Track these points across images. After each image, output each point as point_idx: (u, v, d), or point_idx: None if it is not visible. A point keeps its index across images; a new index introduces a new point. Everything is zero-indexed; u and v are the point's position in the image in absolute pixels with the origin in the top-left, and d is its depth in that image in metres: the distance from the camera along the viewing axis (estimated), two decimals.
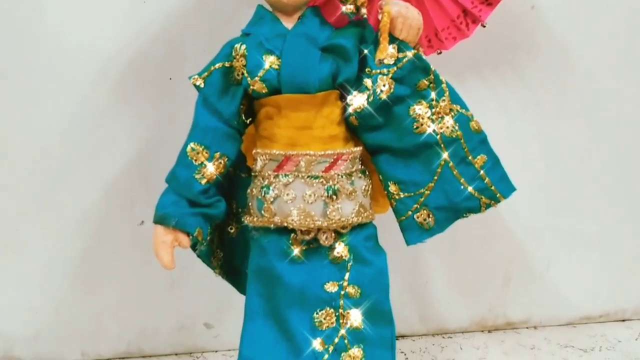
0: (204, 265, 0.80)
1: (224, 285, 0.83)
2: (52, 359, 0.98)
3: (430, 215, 0.72)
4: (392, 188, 0.73)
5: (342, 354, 0.70)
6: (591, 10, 0.97)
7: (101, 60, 0.88)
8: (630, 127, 1.03)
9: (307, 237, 0.70)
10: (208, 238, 0.74)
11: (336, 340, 0.70)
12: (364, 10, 0.71)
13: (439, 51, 0.84)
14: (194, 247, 0.75)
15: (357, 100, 0.70)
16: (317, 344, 0.70)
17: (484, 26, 0.82)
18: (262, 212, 0.70)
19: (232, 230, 0.80)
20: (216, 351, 1.02)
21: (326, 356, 0.69)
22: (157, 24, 0.87)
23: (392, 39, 0.69)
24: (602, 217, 1.07)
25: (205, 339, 1.01)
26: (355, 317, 0.70)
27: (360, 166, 0.72)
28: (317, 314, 0.70)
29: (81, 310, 0.96)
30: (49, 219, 0.92)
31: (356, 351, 0.70)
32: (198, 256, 0.78)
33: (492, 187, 0.71)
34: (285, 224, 0.69)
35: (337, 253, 0.71)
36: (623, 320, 1.14)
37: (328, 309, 0.70)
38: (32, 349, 0.97)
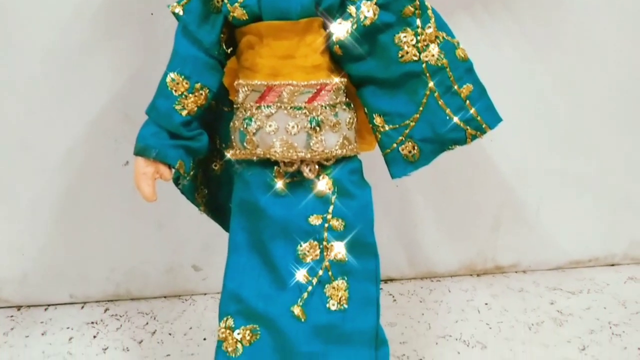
0: (191, 206, 0.79)
1: (212, 227, 0.82)
2: (41, 301, 0.99)
3: (415, 147, 0.71)
4: (377, 120, 0.71)
5: (326, 286, 0.69)
6: None
7: None
8: (623, 64, 1.01)
9: (290, 169, 0.69)
10: (191, 173, 0.74)
11: (320, 272, 0.69)
12: None
13: None
14: (176, 181, 0.74)
15: (341, 28, 0.68)
16: (300, 276, 0.69)
17: None
18: (245, 144, 0.69)
19: (216, 167, 0.79)
20: (205, 294, 1.03)
21: (310, 288, 0.69)
22: None
23: None
24: (593, 157, 1.06)
25: (193, 281, 1.01)
26: (339, 250, 0.70)
27: (344, 98, 0.71)
28: (300, 246, 0.69)
29: (68, 252, 0.96)
30: (32, 158, 0.91)
31: (340, 283, 0.70)
32: (182, 192, 0.77)
33: (478, 118, 0.69)
34: (268, 156, 0.68)
35: (321, 186, 0.70)
36: (612, 265, 1.15)
37: (312, 241, 0.70)
38: (19, 291, 0.97)
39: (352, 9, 0.67)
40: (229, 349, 0.69)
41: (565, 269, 1.13)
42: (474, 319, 0.97)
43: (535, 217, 1.08)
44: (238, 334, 0.69)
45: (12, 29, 0.86)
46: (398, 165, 0.72)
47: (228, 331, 0.69)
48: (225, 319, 0.70)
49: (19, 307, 0.99)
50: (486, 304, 1.01)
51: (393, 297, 1.04)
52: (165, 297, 1.02)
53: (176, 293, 1.02)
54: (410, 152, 0.72)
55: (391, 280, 1.09)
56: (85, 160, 0.92)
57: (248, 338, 0.69)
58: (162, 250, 0.98)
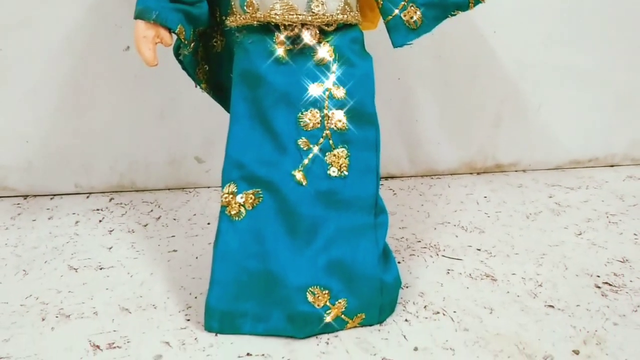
0: (193, 97, 0.80)
1: (215, 118, 0.83)
2: (46, 190, 1.00)
3: (418, 13, 0.70)
4: None
5: (327, 153, 0.70)
6: None
7: None
8: None
9: (291, 34, 0.69)
10: (192, 45, 0.73)
11: (321, 140, 0.70)
12: None
13: None
14: (177, 51, 0.74)
15: None
16: (302, 142, 0.70)
17: None
18: (245, 8, 0.68)
19: (216, 44, 0.79)
20: (208, 187, 1.04)
21: (311, 155, 0.70)
22: None
23: None
24: (596, 53, 1.05)
25: (196, 173, 1.03)
26: (340, 118, 0.70)
27: None
28: (301, 114, 0.70)
29: (71, 141, 0.97)
30: (33, 40, 0.90)
31: (340, 151, 0.70)
32: (183, 67, 0.76)
33: None
34: (269, 20, 0.67)
35: (322, 53, 0.70)
36: (612, 166, 1.16)
37: (313, 109, 0.70)
38: (25, 179, 0.99)
39: None
40: (232, 213, 0.70)
41: (565, 168, 1.14)
42: (473, 209, 0.98)
43: (536, 115, 1.08)
44: (241, 197, 0.70)
45: None
46: (400, 33, 0.72)
47: (231, 196, 0.70)
48: (228, 184, 0.71)
49: (25, 196, 1.00)
50: (485, 197, 1.03)
51: (393, 191, 1.05)
52: (169, 189, 1.03)
53: (179, 185, 1.03)
54: (412, 17, 0.71)
55: (392, 177, 1.10)
56: (86, 44, 0.91)
57: (251, 201, 0.70)
58: (164, 142, 0.99)
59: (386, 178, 1.09)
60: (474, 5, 0.70)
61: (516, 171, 1.13)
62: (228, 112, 0.79)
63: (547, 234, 0.90)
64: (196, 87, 0.80)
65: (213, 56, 0.80)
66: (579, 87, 1.07)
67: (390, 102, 1.02)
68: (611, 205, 1.00)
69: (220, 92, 0.82)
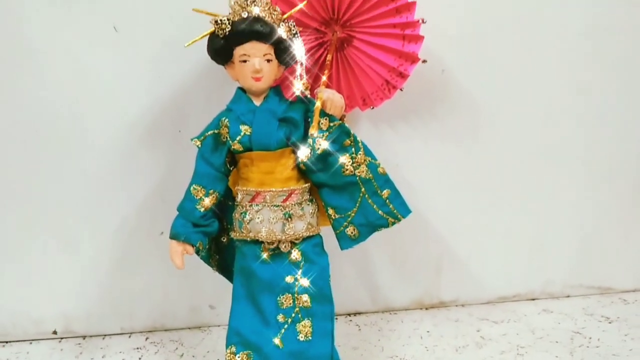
0: (208, 269, 1.14)
1: (221, 280, 1.17)
2: (99, 333, 1.35)
3: (355, 230, 1.06)
4: (330, 211, 1.06)
5: (297, 324, 1.03)
6: (489, 69, 1.30)
7: (134, 116, 1.22)
8: (524, 155, 1.36)
9: (272, 246, 1.04)
10: (207, 247, 1.09)
11: (293, 315, 1.03)
12: (307, 92, 1.04)
13: (372, 107, 1.18)
14: (197, 252, 1.09)
15: (303, 153, 1.03)
16: (280, 317, 1.03)
17: (402, 90, 1.15)
18: (242, 229, 1.04)
19: (224, 240, 1.14)
20: (219, 325, 1.38)
21: (286, 325, 1.03)
22: (170, 93, 1.22)
23: (325, 114, 1.02)
24: (513, 216, 1.40)
25: (210, 316, 1.37)
26: (306, 299, 1.03)
27: (308, 196, 1.06)
28: (279, 297, 1.03)
29: (120, 295, 1.32)
30: (95, 226, 1.27)
31: (306, 322, 1.03)
32: (201, 259, 1.12)
33: (395, 211, 1.04)
34: (257, 238, 1.03)
35: (293, 256, 1.04)
36: (533, 299, 1.47)
37: (287, 294, 1.03)
38: (84, 324, 1.33)
39: (310, 141, 1.03)
40: None
41: (495, 302, 1.46)
42: (416, 343, 1.30)
43: (469, 263, 1.42)
44: (239, 357, 1.03)
45: (92, 137, 1.24)
46: (345, 241, 1.07)
47: (232, 355, 1.03)
48: (230, 347, 1.04)
49: (84, 337, 1.35)
50: (428, 331, 1.34)
51: (359, 327, 1.37)
52: (189, 328, 1.37)
53: (197, 325, 1.37)
54: (352, 232, 1.07)
55: (358, 313, 1.43)
56: (133, 230, 1.28)
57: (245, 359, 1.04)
58: (187, 295, 1.34)
59: (354, 314, 1.42)
60: (392, 225, 1.06)
61: (456, 306, 1.45)
62: (230, 282, 1.14)
63: None
64: (212, 269, 1.16)
65: (222, 248, 1.15)
66: (500, 242, 1.41)
67: (354, 260, 1.37)
68: (523, 338, 1.31)
69: (226, 272, 1.16)
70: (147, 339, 1.34)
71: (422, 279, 1.42)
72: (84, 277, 1.31)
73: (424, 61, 1.13)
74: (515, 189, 1.39)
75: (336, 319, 1.31)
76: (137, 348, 1.30)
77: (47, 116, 1.21)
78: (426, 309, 1.44)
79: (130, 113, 1.23)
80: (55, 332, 1.34)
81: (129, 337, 1.35)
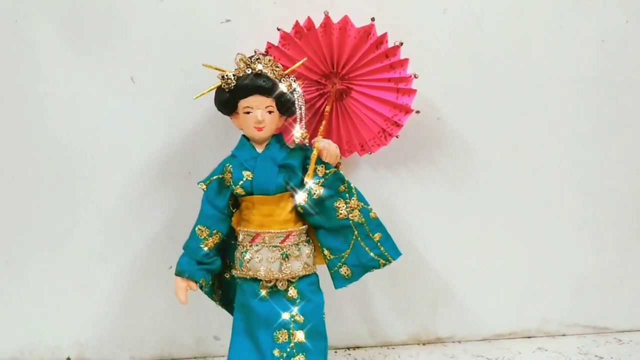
0: (211, 302, 1.21)
1: (224, 313, 1.24)
2: None
3: (349, 270, 1.13)
4: (325, 252, 1.13)
5: (292, 359, 1.10)
6: (482, 117, 1.37)
7: (147, 160, 1.32)
8: (519, 196, 1.42)
9: (270, 284, 1.11)
10: (210, 283, 1.16)
11: (288, 349, 1.10)
12: (306, 140, 1.12)
13: (369, 152, 1.25)
14: (201, 288, 1.16)
15: (301, 198, 1.10)
16: (276, 352, 1.09)
17: (397, 137, 1.22)
18: (242, 268, 1.11)
19: (227, 276, 1.21)
20: (223, 356, 1.44)
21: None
22: (180, 139, 1.31)
23: (321, 162, 1.10)
24: (506, 257, 1.45)
25: (214, 347, 1.43)
26: (300, 336, 1.10)
27: (305, 237, 1.13)
28: (276, 333, 1.10)
29: (130, 326, 1.40)
30: (109, 260, 1.36)
31: (301, 357, 1.10)
32: (205, 293, 1.19)
33: (386, 253, 1.11)
34: (256, 276, 1.10)
35: (290, 294, 1.11)
36: (528, 337, 1.51)
37: (283, 329, 1.10)
38: (96, 353, 1.41)
39: (307, 186, 1.10)
40: None
41: (490, 340, 1.50)
42: None
43: (464, 301, 1.47)
44: None
45: (102, 173, 1.33)
46: (339, 280, 1.14)
47: None
48: None
49: None
50: None
51: None
52: (195, 358, 1.44)
53: (203, 355, 1.44)
54: (345, 272, 1.13)
55: (357, 347, 1.48)
56: (144, 264, 1.37)
57: None
58: (193, 326, 1.41)
59: (353, 348, 1.47)
60: (383, 266, 1.12)
61: (453, 342, 1.50)
62: (232, 315, 1.20)
63: None
64: (215, 303, 1.23)
65: (225, 284, 1.21)
66: (495, 281, 1.45)
67: (354, 296, 1.43)
68: None
69: (228, 307, 1.23)
70: None
71: (419, 315, 1.47)
72: (98, 308, 1.39)
73: (418, 112, 1.21)
74: (511, 230, 1.44)
75: (335, 352, 1.38)
76: None
77: (67, 158, 1.32)
78: (423, 344, 1.49)
79: (143, 156, 1.32)
80: (69, 359, 1.42)
81: None
